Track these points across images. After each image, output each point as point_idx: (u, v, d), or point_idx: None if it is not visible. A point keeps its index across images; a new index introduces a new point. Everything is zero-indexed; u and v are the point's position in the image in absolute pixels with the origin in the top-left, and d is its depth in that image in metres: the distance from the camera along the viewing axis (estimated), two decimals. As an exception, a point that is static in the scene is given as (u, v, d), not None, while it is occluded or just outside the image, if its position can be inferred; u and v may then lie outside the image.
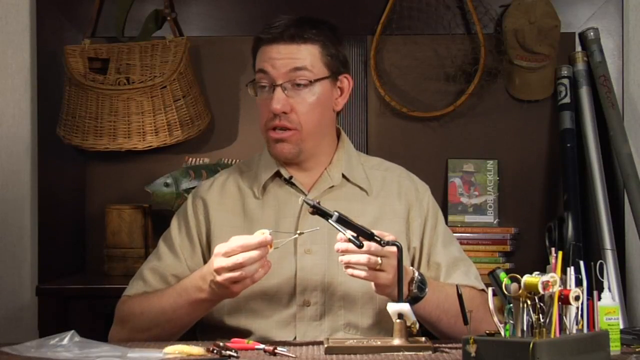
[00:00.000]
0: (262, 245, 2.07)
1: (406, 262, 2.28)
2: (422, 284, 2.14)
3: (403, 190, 2.38)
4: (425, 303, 2.16)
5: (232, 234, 2.27)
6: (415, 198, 2.38)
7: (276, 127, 2.28)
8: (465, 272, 2.33)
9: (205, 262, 2.29)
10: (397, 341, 2.00)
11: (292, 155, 2.31)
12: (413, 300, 2.13)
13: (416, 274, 2.15)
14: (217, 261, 2.09)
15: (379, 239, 2.05)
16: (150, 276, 2.31)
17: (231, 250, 2.07)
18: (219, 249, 2.10)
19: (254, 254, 2.06)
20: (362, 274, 2.07)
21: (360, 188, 2.36)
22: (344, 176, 2.36)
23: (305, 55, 2.27)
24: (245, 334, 2.24)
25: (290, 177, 2.34)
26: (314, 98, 2.28)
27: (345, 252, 2.05)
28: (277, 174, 2.35)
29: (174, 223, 2.38)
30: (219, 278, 2.09)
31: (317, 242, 2.28)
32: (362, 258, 2.05)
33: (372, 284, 2.10)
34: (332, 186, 2.35)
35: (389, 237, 2.08)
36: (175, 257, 2.33)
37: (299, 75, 2.27)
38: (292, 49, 2.27)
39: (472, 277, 2.33)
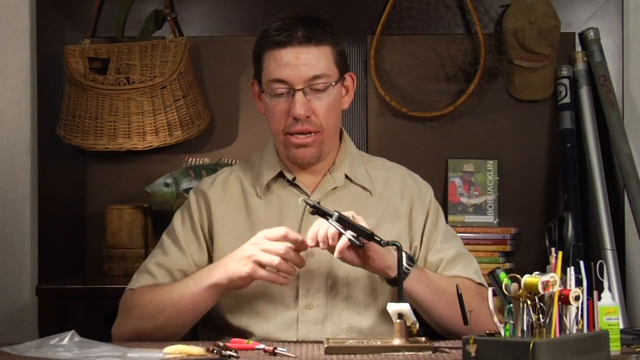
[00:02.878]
0: (300, 247, 2.10)
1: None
2: (410, 260, 2.15)
3: (406, 190, 2.37)
4: (415, 281, 2.15)
5: (235, 231, 2.29)
6: (417, 197, 2.37)
7: (296, 132, 2.26)
8: (465, 266, 2.31)
9: (210, 256, 2.30)
10: (397, 341, 2.00)
11: (315, 159, 2.29)
12: (404, 274, 2.13)
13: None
14: (256, 238, 2.11)
15: (379, 239, 2.05)
16: (156, 270, 2.29)
17: (272, 236, 2.10)
18: (262, 232, 2.13)
19: (293, 256, 2.09)
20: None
21: (364, 188, 2.35)
22: (347, 177, 2.35)
23: (321, 59, 2.25)
24: (247, 335, 2.23)
25: (294, 179, 2.33)
26: (331, 99, 2.27)
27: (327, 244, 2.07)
28: (280, 174, 2.34)
29: (177, 218, 2.36)
30: (249, 251, 2.10)
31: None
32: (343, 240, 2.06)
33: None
34: (335, 187, 2.34)
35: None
36: (181, 251, 2.31)
37: (317, 82, 2.24)
38: (308, 53, 2.24)
39: (471, 271, 2.31)
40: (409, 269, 2.14)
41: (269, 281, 2.11)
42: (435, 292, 2.19)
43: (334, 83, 2.27)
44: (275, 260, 2.08)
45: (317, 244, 2.09)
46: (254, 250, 2.10)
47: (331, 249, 2.08)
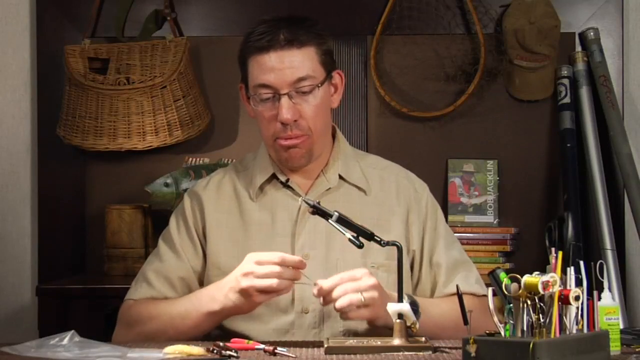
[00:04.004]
0: (298, 267, 2.06)
1: (406, 264, 2.27)
2: (414, 305, 2.09)
3: (402, 191, 2.35)
4: (422, 324, 2.09)
5: (228, 234, 2.27)
6: (413, 199, 2.35)
7: (286, 137, 2.23)
8: (465, 276, 2.30)
9: (206, 260, 2.29)
10: (397, 341, 2.00)
11: (304, 160, 2.27)
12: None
13: (406, 298, 2.10)
14: (247, 266, 2.07)
15: (378, 239, 2.05)
16: (155, 278, 2.28)
17: (266, 260, 2.05)
18: (251, 256, 2.08)
19: (291, 272, 2.06)
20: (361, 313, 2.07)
21: (359, 188, 2.34)
22: (341, 177, 2.33)
23: (305, 61, 2.22)
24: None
25: (287, 180, 2.31)
26: (318, 101, 2.24)
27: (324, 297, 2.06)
28: (273, 176, 2.33)
29: (173, 223, 2.35)
30: (245, 283, 2.06)
31: (316, 247, 2.26)
32: (344, 300, 2.03)
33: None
34: (330, 188, 2.32)
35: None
36: (177, 257, 2.30)
37: (303, 85, 2.22)
38: (292, 56, 2.21)
39: (472, 281, 2.30)
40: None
41: (272, 298, 2.10)
42: (430, 327, 2.14)
43: (319, 84, 2.24)
44: (274, 283, 2.04)
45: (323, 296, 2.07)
46: (250, 282, 2.06)
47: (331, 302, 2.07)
